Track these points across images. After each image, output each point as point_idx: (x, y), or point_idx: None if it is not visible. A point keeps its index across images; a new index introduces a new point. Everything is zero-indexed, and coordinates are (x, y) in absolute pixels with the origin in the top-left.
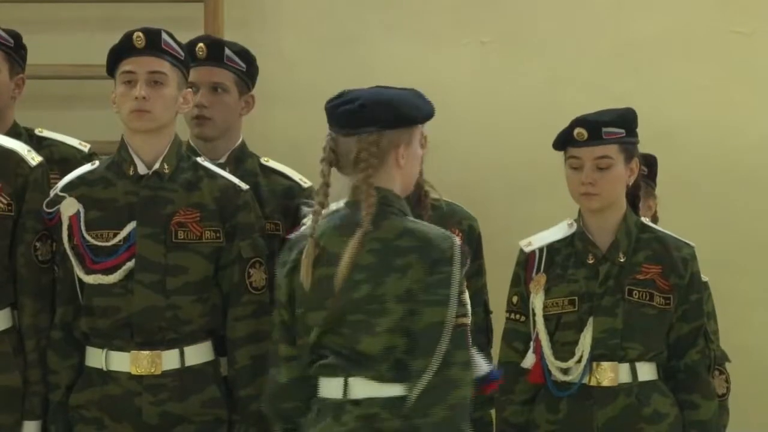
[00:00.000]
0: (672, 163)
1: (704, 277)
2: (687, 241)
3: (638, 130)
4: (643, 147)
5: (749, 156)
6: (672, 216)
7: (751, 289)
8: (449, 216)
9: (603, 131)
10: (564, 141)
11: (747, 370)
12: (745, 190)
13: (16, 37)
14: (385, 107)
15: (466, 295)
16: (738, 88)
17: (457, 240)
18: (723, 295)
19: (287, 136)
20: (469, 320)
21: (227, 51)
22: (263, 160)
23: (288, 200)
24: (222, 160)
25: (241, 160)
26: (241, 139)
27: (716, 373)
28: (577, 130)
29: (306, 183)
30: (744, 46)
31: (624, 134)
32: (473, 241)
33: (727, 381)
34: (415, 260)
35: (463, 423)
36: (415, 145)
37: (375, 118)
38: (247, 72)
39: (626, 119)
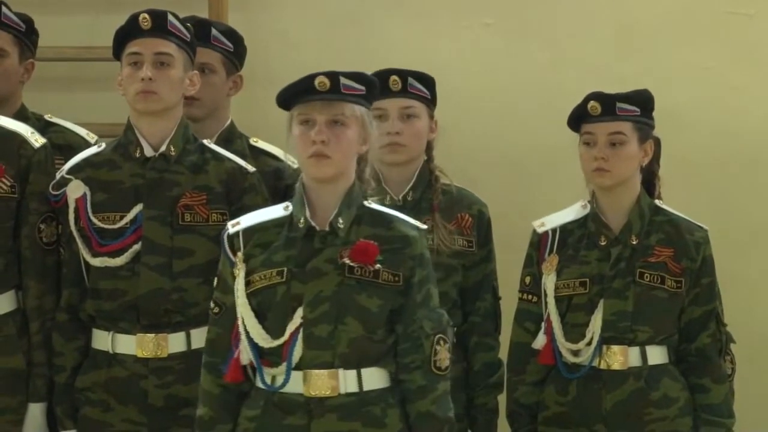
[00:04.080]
0: (675, 145)
1: None
2: (700, 225)
3: None
4: None
5: (752, 137)
6: (675, 198)
7: (755, 270)
8: (459, 201)
9: (617, 106)
10: (578, 116)
11: (751, 352)
12: (748, 171)
13: (28, 21)
14: None
15: None
16: (741, 69)
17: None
18: (727, 277)
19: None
20: (213, 303)
21: (214, 31)
22: (252, 141)
23: (277, 181)
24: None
25: (229, 140)
26: (229, 120)
27: None
28: (591, 104)
29: (295, 164)
30: (746, 27)
31: (639, 113)
32: (483, 226)
33: (733, 362)
34: None
35: (198, 404)
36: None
37: None
38: (235, 52)
39: (642, 98)
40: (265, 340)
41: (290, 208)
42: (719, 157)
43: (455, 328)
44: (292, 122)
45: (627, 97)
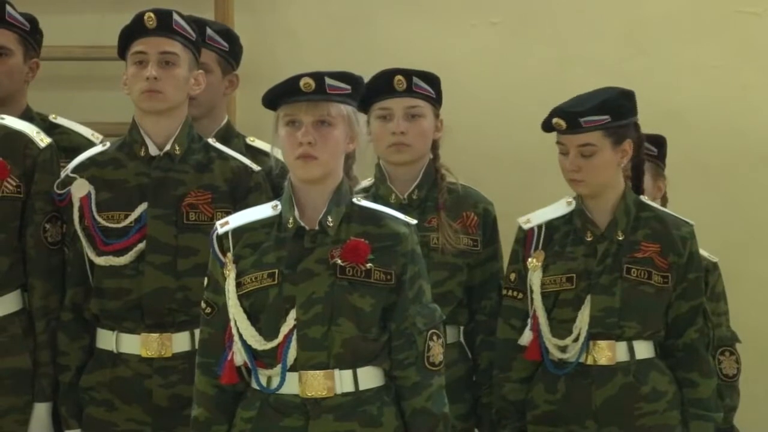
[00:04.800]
0: (682, 143)
1: (714, 258)
2: (686, 220)
3: (647, 110)
4: (653, 127)
5: (760, 136)
6: (682, 196)
7: (762, 269)
8: (464, 199)
9: (581, 120)
10: (548, 128)
11: (758, 351)
12: (756, 169)
13: (33, 20)
14: None
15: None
16: (748, 67)
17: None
18: (734, 276)
19: None
20: (205, 303)
21: (209, 31)
22: (249, 140)
23: (273, 179)
24: None
25: (226, 139)
26: (226, 119)
27: (726, 353)
28: (554, 120)
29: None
30: (754, 25)
31: (609, 119)
32: (488, 224)
33: (738, 362)
34: None
35: (194, 405)
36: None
37: None
38: (230, 51)
39: (611, 105)
40: (258, 342)
41: (279, 207)
42: (727, 156)
43: (461, 327)
44: (279, 123)
45: (591, 109)
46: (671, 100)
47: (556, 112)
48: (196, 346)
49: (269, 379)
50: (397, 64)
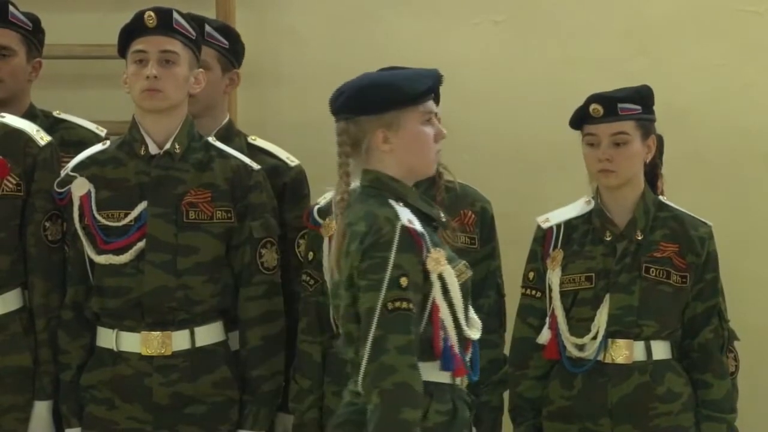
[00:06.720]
0: (685, 142)
1: None
2: (704, 220)
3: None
4: (656, 126)
5: (763, 134)
6: (684, 195)
7: (764, 268)
8: (462, 198)
9: (618, 107)
10: (580, 118)
11: (757, 350)
12: (758, 168)
13: (35, 20)
14: (355, 94)
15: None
16: (750, 66)
17: (401, 223)
18: (735, 274)
19: (299, 116)
20: (409, 303)
21: (207, 28)
22: (251, 139)
23: (274, 179)
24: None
25: (227, 138)
26: (227, 118)
27: None
28: (592, 107)
29: (293, 162)
30: (756, 24)
31: (640, 111)
32: (486, 223)
33: (736, 359)
34: (355, 246)
35: (405, 408)
36: (409, 126)
37: (343, 106)
38: (231, 49)
39: (642, 96)
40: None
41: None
42: (730, 155)
43: None
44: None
45: (628, 97)
46: (673, 99)
47: (594, 98)
48: (196, 345)
49: None
50: (399, 62)
